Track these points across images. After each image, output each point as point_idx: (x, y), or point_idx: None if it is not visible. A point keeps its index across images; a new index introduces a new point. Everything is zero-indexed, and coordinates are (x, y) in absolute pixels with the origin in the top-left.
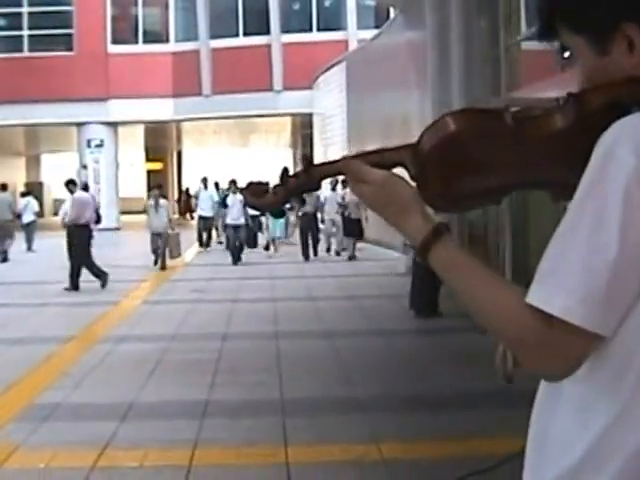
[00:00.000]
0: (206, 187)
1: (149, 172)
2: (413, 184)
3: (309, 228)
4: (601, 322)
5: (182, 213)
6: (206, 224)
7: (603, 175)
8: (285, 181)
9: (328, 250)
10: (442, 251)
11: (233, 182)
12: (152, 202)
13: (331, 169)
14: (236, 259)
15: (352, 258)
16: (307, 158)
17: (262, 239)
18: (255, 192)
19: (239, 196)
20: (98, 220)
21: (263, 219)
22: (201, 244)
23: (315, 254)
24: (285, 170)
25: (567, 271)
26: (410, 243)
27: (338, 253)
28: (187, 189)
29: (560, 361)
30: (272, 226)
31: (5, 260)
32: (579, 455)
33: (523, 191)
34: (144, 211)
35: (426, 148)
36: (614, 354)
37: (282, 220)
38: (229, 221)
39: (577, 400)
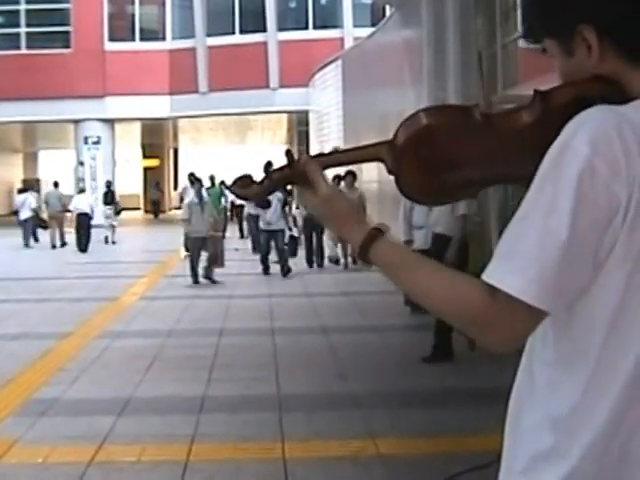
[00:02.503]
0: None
1: (146, 169)
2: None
3: (313, 233)
4: (550, 301)
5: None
6: None
7: (558, 163)
8: (269, 173)
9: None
10: (379, 251)
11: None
12: (195, 199)
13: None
14: (266, 268)
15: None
16: (290, 153)
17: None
18: (242, 184)
19: (279, 194)
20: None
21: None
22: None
23: (320, 264)
24: (268, 163)
25: (521, 252)
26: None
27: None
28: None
29: (509, 335)
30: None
31: (64, 244)
32: (549, 436)
33: (500, 185)
34: (146, 212)
35: (400, 142)
36: (575, 335)
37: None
38: (263, 226)
39: (546, 382)
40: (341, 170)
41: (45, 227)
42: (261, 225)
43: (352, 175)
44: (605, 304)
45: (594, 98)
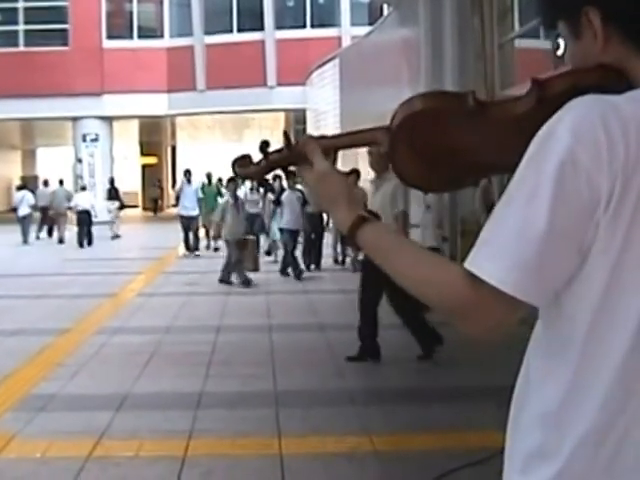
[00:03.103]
0: (190, 181)
1: (144, 166)
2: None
3: (313, 232)
4: (529, 290)
5: None
6: (190, 224)
7: (540, 151)
8: (266, 154)
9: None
10: (367, 235)
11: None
12: (230, 199)
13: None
14: (298, 272)
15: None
16: (287, 134)
17: (264, 242)
18: (241, 163)
19: (297, 193)
20: None
21: (265, 220)
22: (187, 247)
23: (317, 265)
24: (264, 143)
25: (500, 239)
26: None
27: (338, 261)
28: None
29: (489, 324)
30: (273, 227)
31: (62, 242)
32: (540, 434)
33: (498, 175)
34: (144, 209)
35: (394, 126)
36: (561, 327)
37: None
38: (284, 225)
39: (537, 378)
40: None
41: (52, 224)
42: (282, 224)
43: (357, 173)
44: (588, 296)
45: (590, 87)
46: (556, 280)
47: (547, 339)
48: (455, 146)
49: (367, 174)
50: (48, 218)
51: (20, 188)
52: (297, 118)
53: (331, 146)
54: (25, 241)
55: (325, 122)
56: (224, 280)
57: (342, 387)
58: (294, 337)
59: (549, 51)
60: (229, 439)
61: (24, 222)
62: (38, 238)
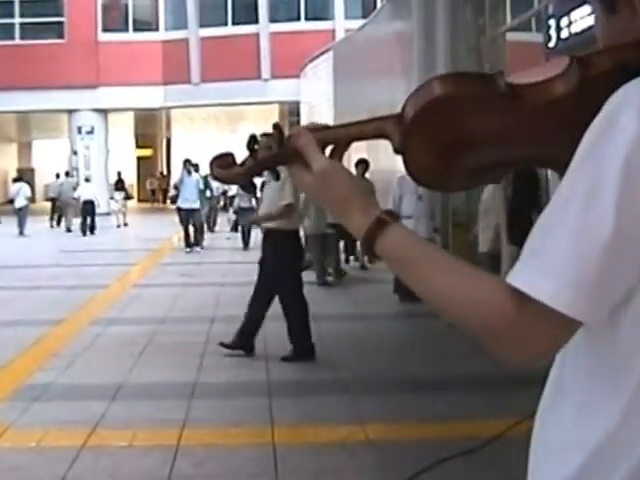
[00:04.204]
0: (190, 172)
1: (139, 159)
2: (353, 173)
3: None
4: (588, 310)
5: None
6: (191, 217)
7: (602, 142)
8: (253, 151)
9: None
10: (388, 242)
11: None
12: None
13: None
14: (322, 275)
15: (363, 267)
16: (279, 127)
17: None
18: (221, 164)
19: None
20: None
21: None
22: (188, 243)
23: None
24: (252, 138)
25: (554, 251)
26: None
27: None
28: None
29: (539, 350)
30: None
31: (69, 231)
32: (577, 465)
33: (527, 167)
34: (139, 200)
35: (410, 116)
36: (616, 350)
37: None
38: (309, 231)
39: (578, 401)
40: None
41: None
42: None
43: (365, 164)
44: None
45: (636, 65)
46: (617, 294)
47: (595, 361)
48: (479, 137)
49: (376, 164)
50: (57, 208)
51: (16, 180)
52: (291, 110)
53: (330, 139)
54: (21, 233)
55: (319, 114)
56: (323, 283)
57: (335, 377)
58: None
59: (541, 44)
60: (222, 429)
61: (20, 214)
62: (52, 227)
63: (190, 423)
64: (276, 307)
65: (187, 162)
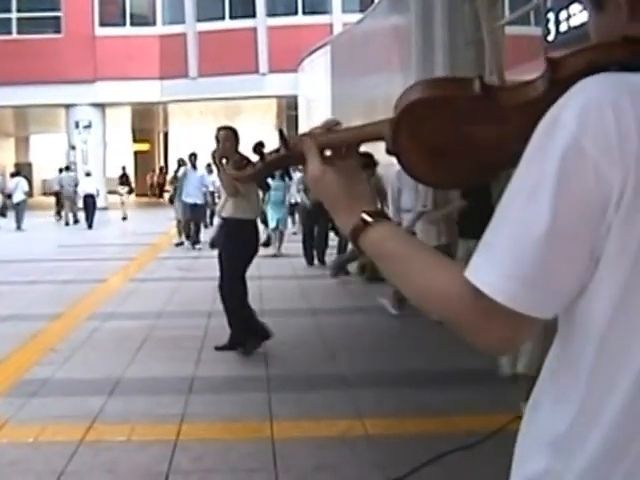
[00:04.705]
0: (195, 167)
1: (136, 153)
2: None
3: (315, 223)
4: (528, 301)
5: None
6: (195, 214)
7: (545, 140)
8: (262, 155)
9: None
10: (368, 241)
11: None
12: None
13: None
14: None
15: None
16: (283, 133)
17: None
18: (237, 165)
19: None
20: None
21: (270, 208)
22: (188, 237)
23: (322, 260)
24: (259, 144)
25: (499, 245)
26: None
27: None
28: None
29: (495, 339)
30: (271, 216)
31: (76, 222)
32: (542, 458)
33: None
34: (137, 195)
35: (396, 118)
36: (572, 343)
37: (283, 209)
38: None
39: (545, 396)
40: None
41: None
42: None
43: (369, 158)
44: (599, 308)
45: (611, 64)
46: (563, 290)
47: (557, 357)
48: (463, 138)
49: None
50: (61, 202)
51: (14, 175)
52: (289, 104)
53: (332, 144)
54: (19, 227)
55: (317, 109)
56: (338, 271)
57: (334, 371)
58: (286, 322)
59: (540, 37)
60: (221, 423)
61: (18, 208)
62: (59, 220)
63: (188, 418)
64: (275, 304)
65: (192, 156)
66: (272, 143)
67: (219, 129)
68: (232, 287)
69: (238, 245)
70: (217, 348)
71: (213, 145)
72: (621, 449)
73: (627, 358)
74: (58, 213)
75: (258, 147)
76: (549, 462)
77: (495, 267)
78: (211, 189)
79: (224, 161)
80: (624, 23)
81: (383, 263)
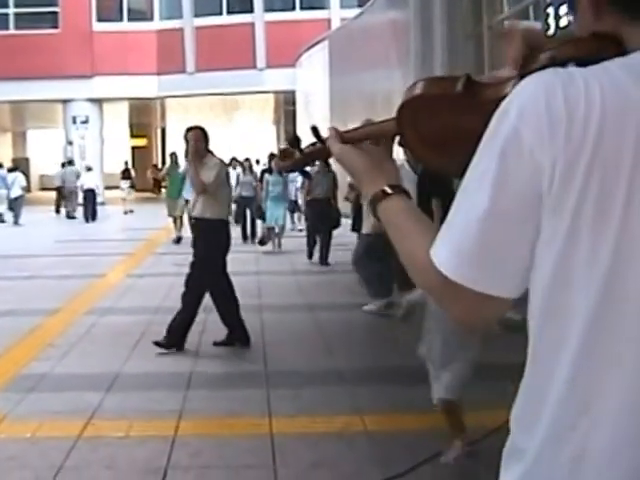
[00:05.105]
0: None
1: (133, 148)
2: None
3: (318, 220)
4: (474, 277)
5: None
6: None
7: (494, 130)
8: (300, 149)
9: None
10: (384, 208)
11: None
12: None
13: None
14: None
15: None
16: (317, 130)
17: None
18: (284, 155)
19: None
20: None
21: (269, 204)
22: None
23: (325, 260)
24: (295, 138)
25: (452, 226)
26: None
27: None
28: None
29: (461, 313)
30: (270, 212)
31: (73, 217)
32: (513, 434)
33: None
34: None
35: (398, 113)
36: (529, 323)
37: (282, 205)
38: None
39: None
40: None
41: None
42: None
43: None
44: (537, 291)
45: (570, 59)
46: (509, 268)
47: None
48: (459, 131)
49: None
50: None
51: (11, 170)
52: (286, 100)
53: (356, 138)
54: (16, 222)
55: (315, 104)
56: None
57: (332, 367)
58: (284, 317)
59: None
60: (219, 419)
61: (16, 204)
62: (59, 213)
63: (186, 413)
64: (274, 300)
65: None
66: (269, 138)
67: (188, 129)
68: (205, 285)
69: (209, 245)
70: (215, 343)
71: (211, 140)
72: (570, 424)
73: (561, 340)
74: (58, 208)
75: (295, 141)
76: (514, 437)
77: (447, 245)
78: None
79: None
80: (591, 22)
81: (390, 232)
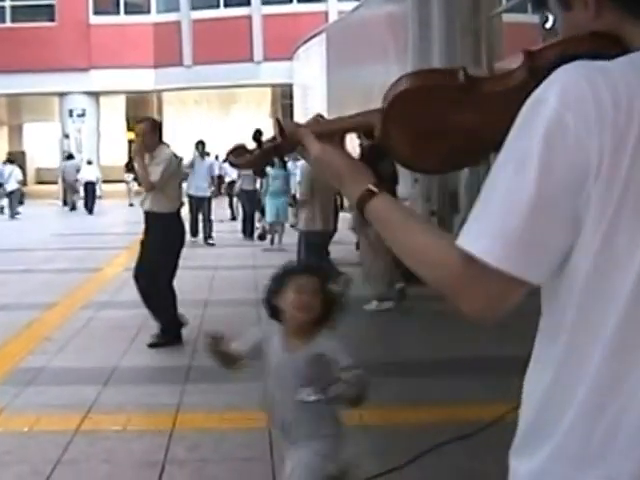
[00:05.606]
0: (204, 156)
1: (130, 142)
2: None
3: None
4: (518, 264)
5: None
6: (201, 207)
7: (528, 119)
8: (260, 143)
9: None
10: (373, 209)
11: None
12: None
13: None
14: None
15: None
16: (279, 121)
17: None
18: (237, 153)
19: None
20: None
21: (268, 200)
22: (194, 233)
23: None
24: (257, 132)
25: (489, 212)
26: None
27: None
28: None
29: (483, 305)
30: (269, 208)
31: (74, 209)
32: (532, 416)
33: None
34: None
35: (386, 107)
36: (557, 305)
37: (283, 199)
38: None
39: (535, 356)
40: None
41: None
42: None
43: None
44: (579, 270)
45: (581, 55)
46: (548, 253)
47: (545, 318)
48: (449, 124)
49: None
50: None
51: (8, 162)
52: (284, 93)
53: (325, 132)
54: (12, 216)
55: (312, 97)
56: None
57: None
58: None
59: (537, 25)
60: (217, 413)
61: (11, 197)
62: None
63: (184, 407)
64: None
65: (200, 144)
66: (266, 131)
67: (138, 121)
68: (156, 277)
69: (159, 238)
70: (150, 345)
71: (208, 133)
72: (604, 401)
73: (602, 317)
74: (65, 201)
75: (257, 135)
76: (537, 419)
77: (486, 232)
78: (228, 179)
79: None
80: (590, 20)
81: (386, 230)
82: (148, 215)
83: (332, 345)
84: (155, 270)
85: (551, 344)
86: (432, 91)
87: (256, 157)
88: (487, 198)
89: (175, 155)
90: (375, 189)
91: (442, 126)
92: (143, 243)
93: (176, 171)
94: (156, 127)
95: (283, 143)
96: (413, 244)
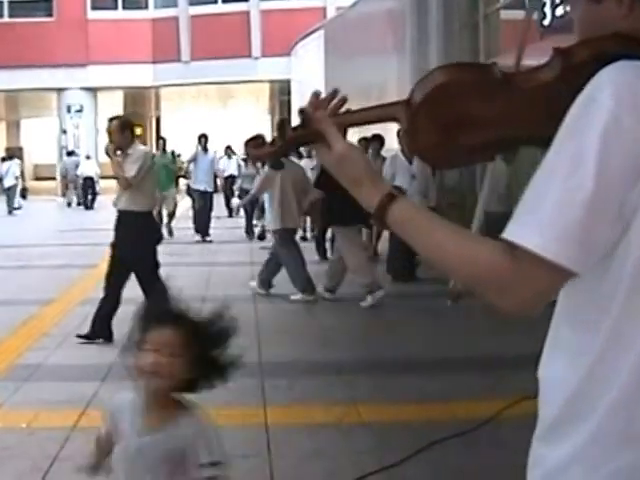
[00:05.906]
0: (206, 150)
1: None
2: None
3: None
4: (575, 258)
5: None
6: (204, 202)
7: (583, 117)
8: (283, 133)
9: None
10: (397, 212)
11: None
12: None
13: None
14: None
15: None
16: (304, 112)
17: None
18: (255, 144)
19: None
20: None
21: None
22: (198, 230)
23: (324, 255)
24: (282, 121)
25: (544, 209)
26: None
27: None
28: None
29: (529, 297)
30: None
31: (77, 205)
32: (566, 403)
33: (518, 147)
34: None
35: (416, 101)
36: (601, 294)
37: None
38: None
39: (568, 344)
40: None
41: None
42: None
43: (379, 140)
44: (629, 262)
45: (615, 54)
46: (601, 245)
47: (584, 307)
48: (476, 119)
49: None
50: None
51: (5, 159)
52: (282, 89)
53: (346, 123)
54: (10, 212)
55: (310, 92)
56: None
57: (328, 357)
58: (279, 307)
59: (536, 22)
60: (214, 409)
61: (9, 193)
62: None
63: None
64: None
65: (203, 138)
66: (264, 127)
67: (110, 120)
68: (157, 279)
69: (134, 238)
70: (79, 336)
71: (206, 129)
72: None
73: None
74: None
75: (282, 125)
76: (573, 405)
77: (542, 228)
78: (226, 174)
79: (118, 152)
80: (621, 17)
81: (410, 234)
82: (123, 214)
83: (194, 432)
84: (134, 268)
85: (592, 332)
86: (467, 85)
87: (276, 149)
88: (541, 195)
89: (149, 152)
90: (396, 192)
91: (472, 121)
92: (115, 245)
93: (151, 168)
94: (126, 126)
95: (306, 133)
96: (447, 244)
